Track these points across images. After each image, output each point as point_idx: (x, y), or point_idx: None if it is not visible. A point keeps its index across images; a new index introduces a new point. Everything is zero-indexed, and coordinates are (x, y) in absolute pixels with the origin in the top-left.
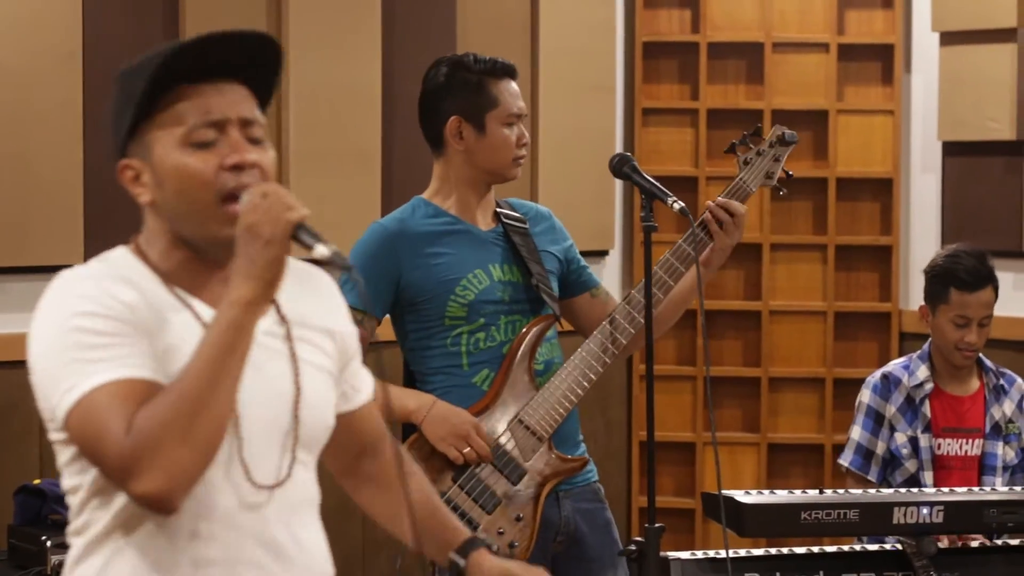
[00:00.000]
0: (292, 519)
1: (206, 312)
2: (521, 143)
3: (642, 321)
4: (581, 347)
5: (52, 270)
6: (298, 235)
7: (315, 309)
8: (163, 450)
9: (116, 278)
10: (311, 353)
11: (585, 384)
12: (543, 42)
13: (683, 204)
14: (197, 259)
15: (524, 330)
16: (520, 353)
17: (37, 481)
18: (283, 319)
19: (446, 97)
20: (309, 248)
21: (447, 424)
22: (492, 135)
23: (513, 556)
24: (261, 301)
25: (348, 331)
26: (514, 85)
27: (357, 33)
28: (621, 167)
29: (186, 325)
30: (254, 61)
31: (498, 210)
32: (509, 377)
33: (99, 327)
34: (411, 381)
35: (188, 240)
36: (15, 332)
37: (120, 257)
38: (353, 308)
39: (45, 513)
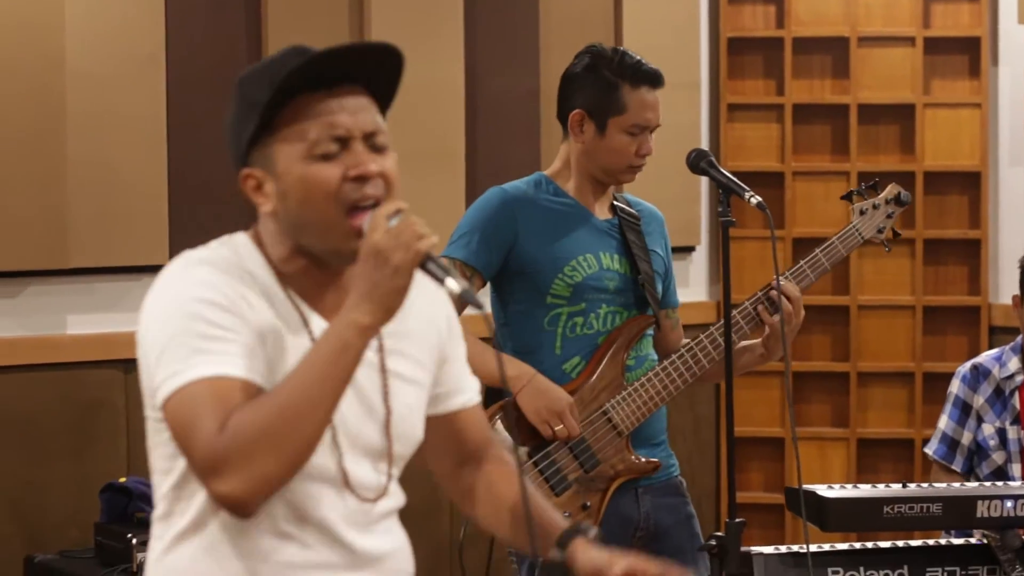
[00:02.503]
0: (378, 528)
1: (317, 322)
2: (641, 153)
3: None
4: (674, 355)
5: (137, 271)
6: (427, 266)
7: (412, 317)
8: (253, 456)
9: (240, 270)
10: (402, 364)
11: (672, 391)
12: (626, 39)
13: (760, 199)
14: (316, 268)
15: (623, 324)
16: (616, 346)
17: (123, 479)
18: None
19: (578, 88)
20: (439, 281)
21: (545, 398)
22: (611, 139)
23: None
24: (377, 327)
25: (446, 334)
26: (652, 94)
27: (440, 32)
28: (698, 162)
29: (295, 333)
30: (376, 66)
31: (615, 203)
32: (601, 367)
33: (215, 318)
34: None
35: (309, 250)
36: (102, 332)
37: (243, 245)
38: (464, 263)
39: (131, 511)
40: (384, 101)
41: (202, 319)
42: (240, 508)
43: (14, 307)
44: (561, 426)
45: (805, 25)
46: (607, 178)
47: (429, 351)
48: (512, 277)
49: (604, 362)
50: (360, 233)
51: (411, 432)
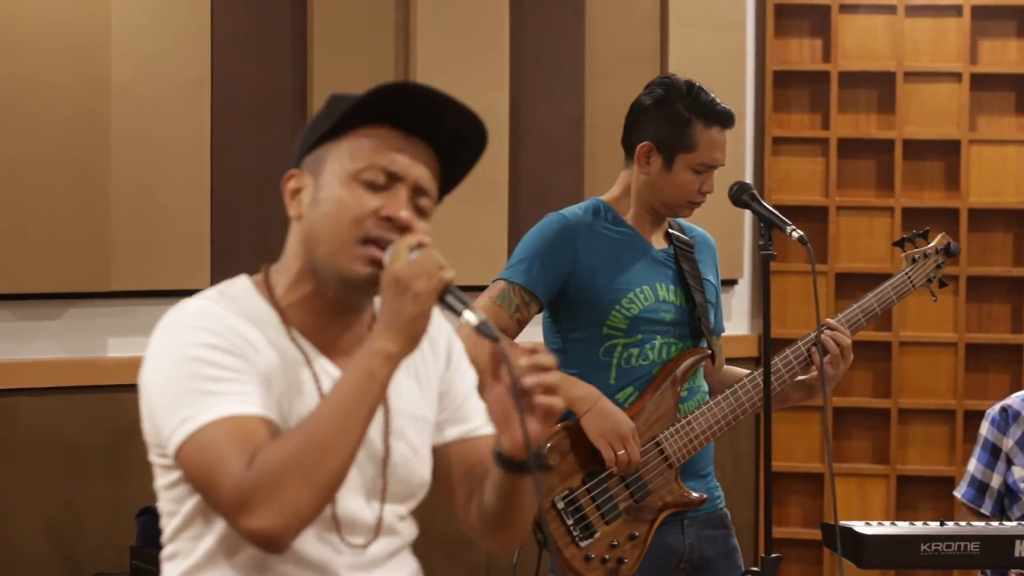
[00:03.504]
0: (380, 569)
1: (319, 362)
2: (703, 191)
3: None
4: (728, 391)
5: (179, 295)
6: (446, 297)
7: (418, 352)
8: (284, 488)
9: (240, 313)
10: (406, 401)
11: (724, 425)
12: (672, 70)
13: (801, 233)
14: (319, 299)
15: (678, 357)
16: (670, 379)
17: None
18: None
19: (650, 119)
20: (457, 313)
21: (611, 421)
22: (676, 175)
23: (620, 572)
24: (402, 355)
25: (444, 364)
26: (722, 135)
27: (485, 61)
28: (740, 195)
29: (299, 372)
30: (457, 136)
31: (670, 231)
32: (654, 399)
33: (220, 360)
34: None
35: (316, 268)
36: (141, 355)
37: (242, 291)
38: (523, 288)
39: None
40: (449, 183)
41: (207, 363)
42: (273, 543)
43: (55, 329)
44: (623, 451)
45: (852, 59)
46: (666, 211)
47: (430, 384)
48: (570, 305)
49: (658, 393)
50: (368, 261)
51: (412, 473)
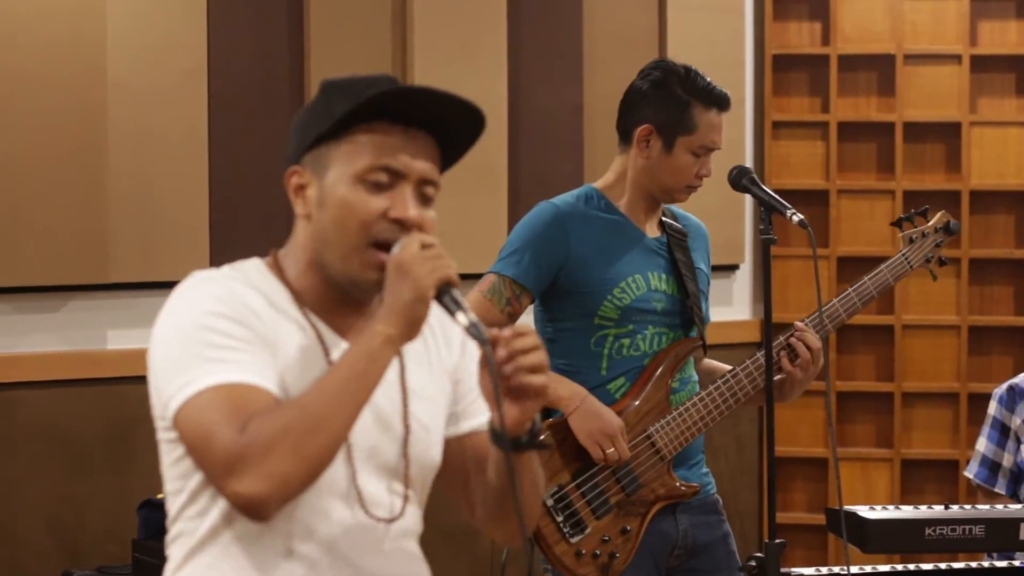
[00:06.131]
0: (392, 552)
1: (330, 336)
2: (701, 175)
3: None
4: (719, 380)
5: (177, 286)
6: (443, 295)
7: (431, 336)
8: (272, 457)
9: (249, 287)
10: (420, 382)
11: (716, 416)
12: (670, 55)
13: (801, 217)
14: (329, 288)
15: (668, 348)
16: (661, 370)
17: (161, 495)
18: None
19: (649, 103)
20: (451, 314)
21: (598, 420)
22: (676, 158)
23: (612, 568)
24: (401, 338)
25: (458, 353)
26: (719, 117)
27: (483, 48)
28: (740, 179)
29: (309, 348)
30: (456, 122)
31: (663, 219)
32: (645, 391)
33: (226, 329)
34: None
35: (326, 268)
36: (141, 347)
37: (253, 269)
38: (514, 281)
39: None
40: (449, 159)
41: (213, 330)
42: (256, 510)
43: (54, 322)
44: (612, 449)
45: (851, 42)
46: (663, 196)
47: (444, 370)
48: (561, 295)
49: (649, 385)
50: (378, 267)
51: (427, 453)
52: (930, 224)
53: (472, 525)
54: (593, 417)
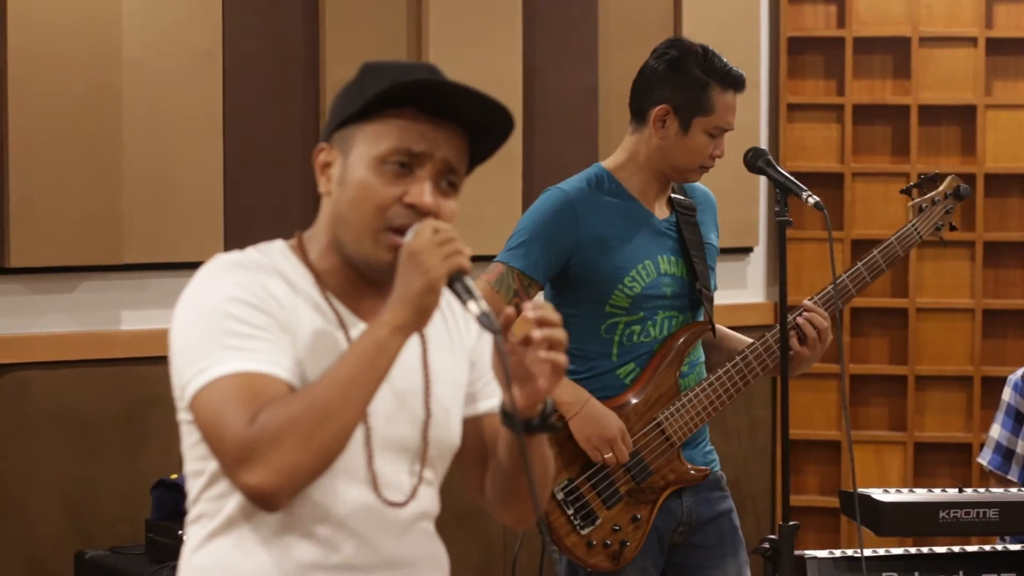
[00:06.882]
0: (409, 533)
1: (350, 318)
2: (715, 155)
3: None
4: (728, 364)
5: (192, 267)
6: (455, 282)
7: (451, 319)
8: (281, 448)
9: (273, 272)
10: (442, 365)
11: (726, 400)
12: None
13: (817, 199)
14: (348, 269)
15: (677, 332)
16: (670, 356)
17: (174, 476)
18: (421, 332)
19: (667, 83)
20: (462, 302)
21: (597, 425)
22: (692, 138)
23: (623, 555)
24: (410, 328)
25: (476, 336)
26: (735, 98)
27: (498, 32)
28: (755, 161)
29: (331, 334)
30: (483, 122)
31: (672, 196)
32: (655, 378)
33: (247, 316)
34: None
35: (342, 247)
36: (154, 328)
37: (278, 252)
38: (522, 273)
39: (182, 508)
40: (474, 160)
41: (233, 317)
42: (267, 500)
43: (68, 303)
44: (611, 453)
45: (866, 25)
46: (676, 176)
47: (464, 351)
48: (572, 282)
49: (659, 372)
50: (391, 248)
51: (447, 435)
52: (940, 190)
53: (484, 508)
54: (592, 422)
